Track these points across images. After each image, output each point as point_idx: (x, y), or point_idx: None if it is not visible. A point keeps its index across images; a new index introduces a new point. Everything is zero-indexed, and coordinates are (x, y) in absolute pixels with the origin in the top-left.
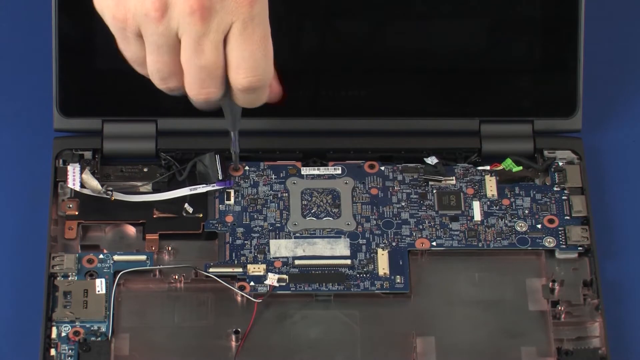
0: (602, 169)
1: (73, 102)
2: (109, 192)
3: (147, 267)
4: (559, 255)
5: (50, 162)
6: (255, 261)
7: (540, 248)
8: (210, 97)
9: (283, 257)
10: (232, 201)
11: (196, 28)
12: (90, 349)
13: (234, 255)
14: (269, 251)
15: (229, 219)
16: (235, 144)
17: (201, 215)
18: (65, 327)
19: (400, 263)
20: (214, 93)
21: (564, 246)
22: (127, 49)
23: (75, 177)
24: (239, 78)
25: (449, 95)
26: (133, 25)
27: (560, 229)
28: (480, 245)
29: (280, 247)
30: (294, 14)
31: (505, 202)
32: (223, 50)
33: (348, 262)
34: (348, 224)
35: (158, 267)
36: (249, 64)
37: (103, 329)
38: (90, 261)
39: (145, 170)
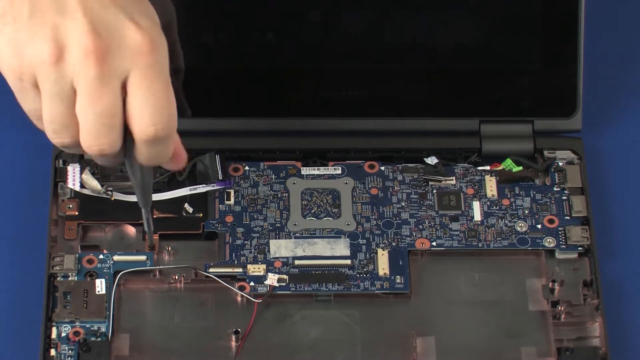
0: (602, 169)
1: None
2: (109, 192)
3: (147, 268)
4: (559, 255)
5: (50, 162)
6: (255, 261)
7: (540, 248)
8: (104, 150)
9: (283, 257)
10: (232, 201)
11: (92, 71)
12: (90, 349)
13: (234, 256)
14: (269, 251)
15: (229, 219)
16: (147, 223)
17: (201, 215)
18: (65, 327)
19: (400, 263)
20: (110, 145)
21: (564, 246)
22: (25, 100)
23: (75, 177)
24: (143, 126)
25: (449, 95)
26: (29, 73)
27: (560, 229)
28: (480, 245)
29: (280, 247)
30: (294, 14)
31: (505, 202)
32: (121, 99)
33: (348, 262)
34: (348, 224)
35: (158, 267)
36: (154, 112)
37: (103, 329)
38: (90, 261)
39: None
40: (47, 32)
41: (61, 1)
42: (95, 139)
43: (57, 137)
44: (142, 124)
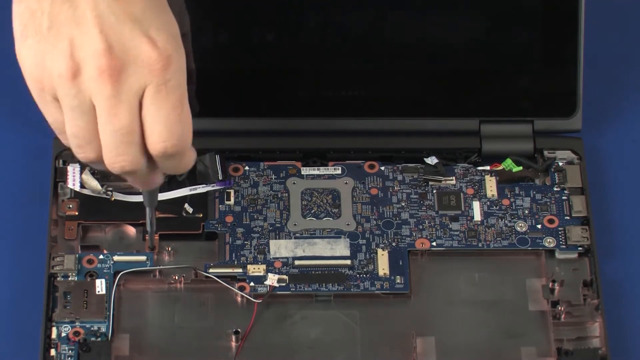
0: (602, 169)
1: None
2: (109, 192)
3: (147, 268)
4: (559, 255)
5: (50, 162)
6: (255, 261)
7: (540, 248)
8: (125, 167)
9: (283, 258)
10: (232, 201)
11: (106, 89)
12: (90, 349)
13: (234, 256)
14: (269, 251)
15: (229, 219)
16: (150, 223)
17: (201, 215)
18: (65, 327)
19: (400, 263)
20: (130, 162)
21: (564, 246)
22: (47, 112)
23: (75, 177)
24: (153, 143)
25: (449, 95)
26: (49, 86)
27: (560, 229)
28: (480, 245)
29: (280, 248)
30: (293, 14)
31: (505, 202)
32: (139, 115)
33: (348, 262)
34: (348, 224)
35: (158, 267)
36: (164, 129)
37: (103, 329)
38: (90, 261)
39: None
40: (65, 46)
41: (79, 14)
42: (115, 155)
43: (81, 151)
44: (153, 140)
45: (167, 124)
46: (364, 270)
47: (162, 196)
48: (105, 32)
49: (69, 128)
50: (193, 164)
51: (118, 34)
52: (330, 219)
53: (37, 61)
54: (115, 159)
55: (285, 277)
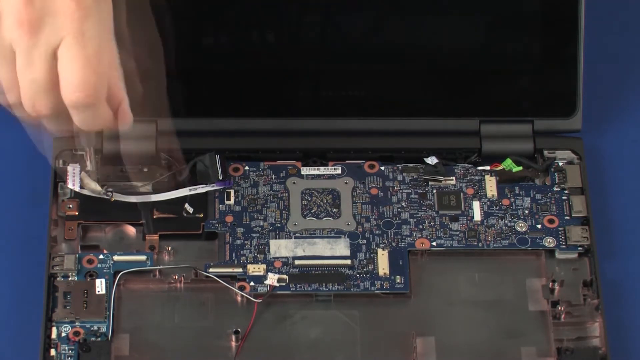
0: (602, 169)
1: None
2: (109, 193)
3: (147, 268)
4: (559, 255)
5: (50, 162)
6: (255, 261)
7: (540, 248)
8: (42, 112)
9: (283, 257)
10: (232, 201)
11: (24, 40)
12: (90, 349)
13: (234, 256)
14: (269, 251)
15: (229, 219)
16: (90, 161)
17: (201, 215)
18: (65, 327)
19: (400, 263)
20: (47, 108)
21: (564, 246)
22: None
23: (75, 178)
24: (67, 93)
25: (449, 95)
26: None
27: (560, 229)
28: (480, 245)
29: (280, 247)
30: (294, 14)
31: (505, 202)
32: (55, 65)
33: (348, 262)
34: (348, 224)
35: (158, 267)
36: (77, 80)
37: (103, 329)
38: (90, 261)
39: (145, 170)
40: None
41: None
42: (31, 102)
43: (3, 98)
44: (67, 90)
45: (81, 74)
46: (364, 270)
47: (162, 196)
48: None
49: None
50: (105, 122)
51: None
52: (330, 219)
53: None
54: (33, 105)
55: (285, 276)
